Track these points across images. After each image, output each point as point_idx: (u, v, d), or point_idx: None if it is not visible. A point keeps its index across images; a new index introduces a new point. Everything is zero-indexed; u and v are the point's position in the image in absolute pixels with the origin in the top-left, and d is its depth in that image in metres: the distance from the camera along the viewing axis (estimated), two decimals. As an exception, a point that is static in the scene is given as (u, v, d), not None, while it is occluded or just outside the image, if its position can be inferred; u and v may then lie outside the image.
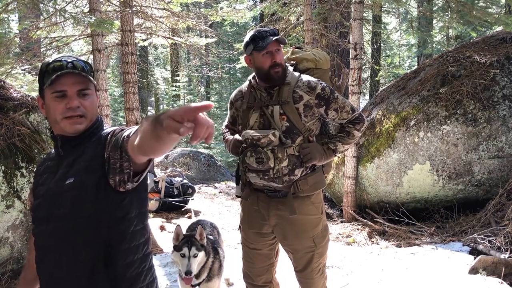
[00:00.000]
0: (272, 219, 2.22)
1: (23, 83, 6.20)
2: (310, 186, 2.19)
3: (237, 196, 2.42)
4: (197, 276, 2.58)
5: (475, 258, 3.60)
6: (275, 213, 2.21)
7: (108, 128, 1.46)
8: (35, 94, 4.94)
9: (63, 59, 1.40)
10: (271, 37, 2.09)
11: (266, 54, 2.11)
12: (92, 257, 1.34)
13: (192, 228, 3.08)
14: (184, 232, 2.68)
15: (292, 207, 2.16)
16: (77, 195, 1.33)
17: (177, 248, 2.52)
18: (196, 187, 7.74)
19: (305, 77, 2.19)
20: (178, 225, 2.63)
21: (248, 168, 2.16)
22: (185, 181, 6.92)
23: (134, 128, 1.24)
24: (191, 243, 2.50)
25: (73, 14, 4.30)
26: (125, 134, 1.28)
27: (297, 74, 2.21)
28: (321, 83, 2.16)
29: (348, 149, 2.32)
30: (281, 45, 2.15)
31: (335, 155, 2.25)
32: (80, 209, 1.33)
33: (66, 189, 1.35)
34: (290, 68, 2.26)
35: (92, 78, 1.43)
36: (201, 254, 2.54)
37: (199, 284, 2.65)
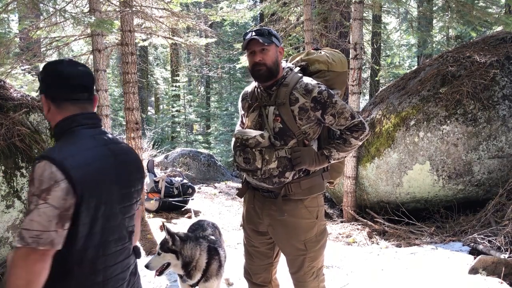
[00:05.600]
0: (266, 219, 2.23)
1: (23, 83, 6.20)
2: (304, 190, 2.15)
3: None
4: (190, 277, 2.66)
5: (475, 258, 3.60)
6: (268, 213, 2.21)
7: None
8: (35, 94, 4.93)
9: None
10: (252, 37, 2.07)
11: (250, 54, 2.13)
12: None
13: (193, 228, 3.09)
14: (185, 231, 2.79)
15: (281, 208, 2.14)
16: None
17: None
18: (196, 187, 7.73)
19: (306, 80, 2.12)
20: (162, 223, 2.84)
21: (238, 167, 2.18)
22: (185, 181, 6.92)
23: None
24: (160, 244, 2.67)
25: (73, 14, 4.30)
26: None
27: (299, 75, 2.15)
28: (319, 87, 2.08)
29: (346, 156, 2.22)
30: (269, 44, 2.08)
31: (329, 162, 2.17)
32: None
33: None
34: (297, 69, 2.23)
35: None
36: (168, 256, 2.62)
37: (196, 284, 2.67)
